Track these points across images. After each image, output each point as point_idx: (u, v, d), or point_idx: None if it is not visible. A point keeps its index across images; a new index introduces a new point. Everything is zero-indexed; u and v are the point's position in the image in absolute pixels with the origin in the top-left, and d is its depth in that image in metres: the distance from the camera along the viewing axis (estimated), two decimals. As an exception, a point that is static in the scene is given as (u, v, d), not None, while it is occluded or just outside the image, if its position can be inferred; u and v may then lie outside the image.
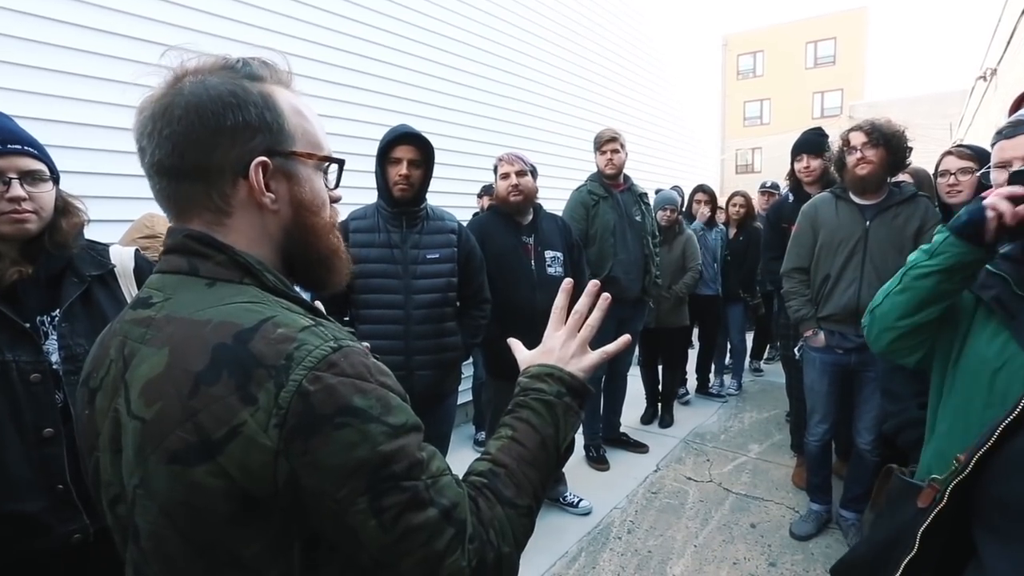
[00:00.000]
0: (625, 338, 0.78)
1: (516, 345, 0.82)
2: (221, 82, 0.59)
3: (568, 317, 0.79)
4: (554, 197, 3.99)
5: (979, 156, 2.17)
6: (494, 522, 0.60)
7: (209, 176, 0.60)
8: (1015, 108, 1.66)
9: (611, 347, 0.77)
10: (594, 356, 0.76)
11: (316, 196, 0.66)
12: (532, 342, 0.81)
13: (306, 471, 0.51)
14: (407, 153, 1.98)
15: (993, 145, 1.31)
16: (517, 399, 0.72)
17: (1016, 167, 1.16)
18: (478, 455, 0.69)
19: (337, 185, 0.69)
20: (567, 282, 0.80)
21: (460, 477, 0.63)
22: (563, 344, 0.76)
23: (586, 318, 0.77)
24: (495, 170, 2.60)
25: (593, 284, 0.79)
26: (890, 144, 2.25)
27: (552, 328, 0.79)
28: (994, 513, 0.68)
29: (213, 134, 0.58)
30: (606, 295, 0.79)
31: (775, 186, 4.93)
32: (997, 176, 1.29)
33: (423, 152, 2.01)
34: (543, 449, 0.68)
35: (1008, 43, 6.06)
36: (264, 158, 0.60)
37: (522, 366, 0.77)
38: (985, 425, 0.99)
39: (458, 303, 2.17)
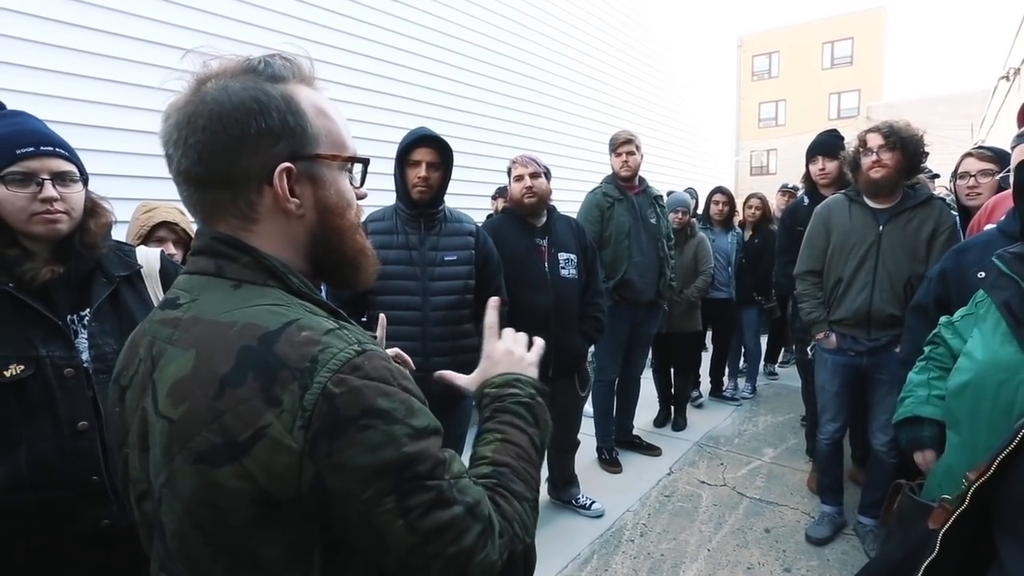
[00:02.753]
0: (540, 342, 0.87)
1: (451, 375, 0.88)
2: (243, 87, 0.59)
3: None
4: (568, 199, 4.00)
5: (1000, 158, 2.14)
6: (515, 516, 0.63)
7: (235, 184, 0.60)
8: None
9: (537, 349, 0.85)
10: (533, 357, 0.83)
11: (341, 198, 0.66)
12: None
13: (332, 472, 0.52)
14: (426, 155, 2.00)
15: (1013, 148, 1.30)
16: (493, 407, 0.75)
17: None
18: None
19: (362, 184, 0.69)
20: (494, 300, 0.88)
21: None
22: (509, 352, 0.82)
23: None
24: (509, 172, 2.61)
25: (493, 300, 0.88)
26: (907, 148, 2.21)
27: (491, 342, 0.84)
28: (1015, 516, 0.68)
29: (237, 142, 0.58)
30: (495, 298, 0.89)
31: (796, 188, 4.90)
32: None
33: (442, 154, 2.03)
34: (533, 446, 0.72)
35: (1032, 42, 5.94)
36: (288, 164, 0.60)
37: (472, 386, 0.82)
38: (993, 436, 0.97)
39: (476, 305, 2.19)
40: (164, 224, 1.78)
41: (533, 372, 0.81)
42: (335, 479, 0.52)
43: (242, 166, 0.59)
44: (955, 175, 2.37)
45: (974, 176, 2.20)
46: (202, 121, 0.58)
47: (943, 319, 1.39)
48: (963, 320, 1.30)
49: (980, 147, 2.39)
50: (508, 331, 0.86)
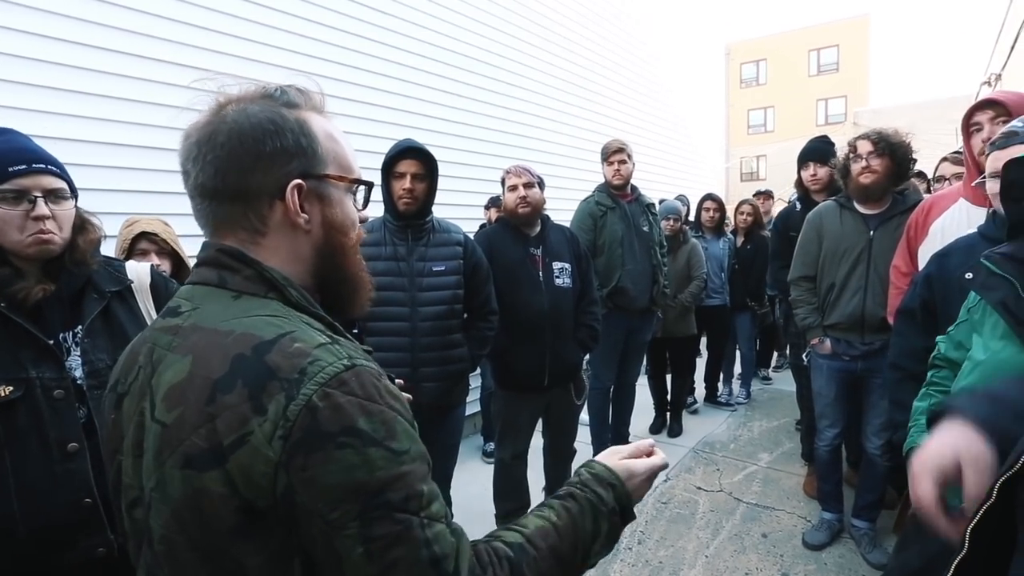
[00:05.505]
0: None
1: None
2: (261, 110, 0.63)
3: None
4: (561, 208, 4.02)
5: None
6: None
7: (248, 198, 0.63)
8: (967, 120, 1.68)
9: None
10: (646, 488, 0.80)
11: (346, 217, 0.69)
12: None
13: (302, 487, 0.52)
14: (411, 167, 2.01)
15: (987, 156, 1.33)
16: (574, 489, 0.72)
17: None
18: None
19: (365, 206, 0.72)
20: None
21: (485, 537, 0.63)
22: (640, 471, 0.78)
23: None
24: (503, 182, 2.62)
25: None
26: (895, 154, 2.27)
27: (637, 454, 0.81)
28: None
29: (253, 158, 0.62)
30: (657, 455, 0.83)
31: (770, 192, 5.46)
32: (992, 185, 1.31)
33: (427, 166, 2.04)
34: (574, 551, 0.68)
35: (1012, 48, 6.07)
36: (299, 181, 0.64)
37: (602, 457, 0.79)
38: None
39: (465, 315, 2.19)
40: (144, 235, 1.76)
41: (641, 495, 0.78)
42: (304, 494, 0.52)
43: (256, 181, 0.62)
44: (933, 179, 2.42)
45: (949, 180, 2.25)
46: (221, 138, 0.61)
47: (940, 337, 1.39)
48: (957, 329, 1.30)
49: (956, 152, 2.44)
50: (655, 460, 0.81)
